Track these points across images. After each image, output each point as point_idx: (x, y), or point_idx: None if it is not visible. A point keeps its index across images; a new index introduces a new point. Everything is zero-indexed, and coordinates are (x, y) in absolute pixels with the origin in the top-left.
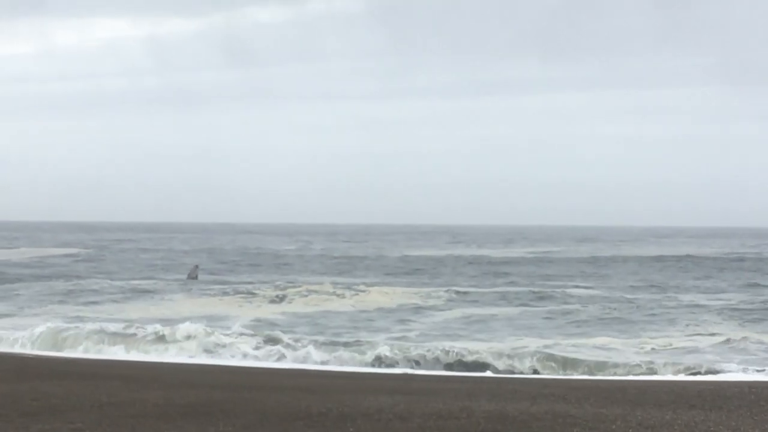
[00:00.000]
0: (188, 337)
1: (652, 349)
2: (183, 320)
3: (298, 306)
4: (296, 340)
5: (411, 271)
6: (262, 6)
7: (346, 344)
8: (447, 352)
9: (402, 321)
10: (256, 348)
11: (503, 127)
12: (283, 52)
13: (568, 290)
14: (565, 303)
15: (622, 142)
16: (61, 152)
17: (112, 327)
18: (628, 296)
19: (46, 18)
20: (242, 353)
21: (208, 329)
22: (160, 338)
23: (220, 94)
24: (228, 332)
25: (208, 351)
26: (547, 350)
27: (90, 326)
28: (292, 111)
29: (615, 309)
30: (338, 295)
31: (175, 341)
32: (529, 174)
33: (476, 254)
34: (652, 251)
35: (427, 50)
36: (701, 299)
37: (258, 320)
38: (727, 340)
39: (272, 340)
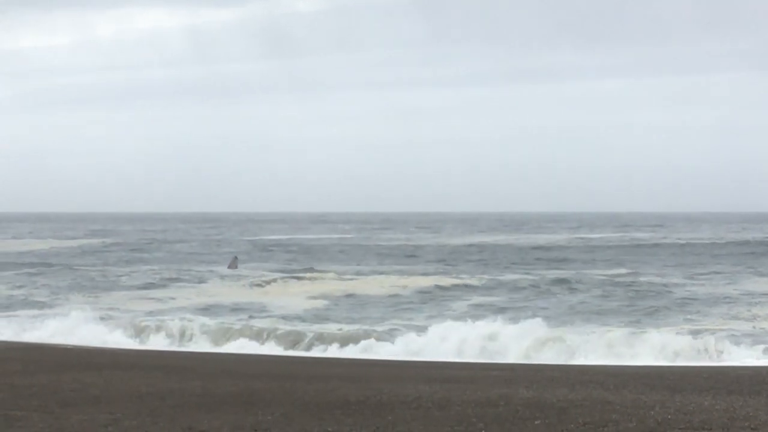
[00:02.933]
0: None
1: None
2: (224, 309)
3: (335, 294)
4: (329, 329)
5: (445, 258)
6: None
7: (377, 333)
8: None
9: (412, 309)
10: (295, 337)
11: (541, 115)
12: (322, 41)
13: (594, 276)
14: (582, 288)
15: (659, 129)
16: (99, 143)
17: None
18: (659, 281)
19: (83, 9)
20: (281, 343)
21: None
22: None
23: (259, 83)
24: (267, 322)
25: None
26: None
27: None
28: (330, 100)
29: (636, 296)
30: (369, 282)
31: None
32: (567, 161)
33: (513, 241)
34: (692, 237)
35: (465, 38)
36: (750, 284)
37: (299, 307)
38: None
39: (310, 329)
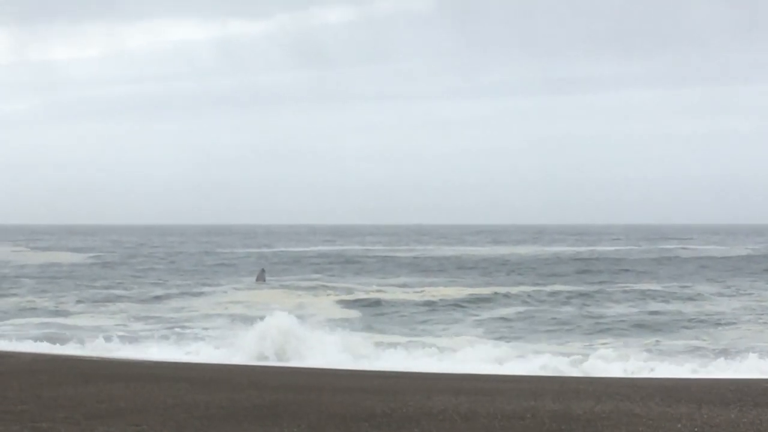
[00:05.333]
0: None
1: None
2: (254, 318)
3: (360, 305)
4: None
5: (474, 270)
6: (329, 6)
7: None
8: None
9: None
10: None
11: (575, 125)
12: (352, 52)
13: (622, 288)
14: (602, 304)
15: (695, 139)
16: (130, 155)
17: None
18: (685, 293)
19: (113, 21)
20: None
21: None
22: None
23: (290, 94)
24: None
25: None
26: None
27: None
28: (361, 111)
29: (645, 310)
30: (395, 294)
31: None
32: (602, 172)
33: (543, 252)
34: (733, 251)
35: (496, 48)
36: None
37: (330, 319)
38: None
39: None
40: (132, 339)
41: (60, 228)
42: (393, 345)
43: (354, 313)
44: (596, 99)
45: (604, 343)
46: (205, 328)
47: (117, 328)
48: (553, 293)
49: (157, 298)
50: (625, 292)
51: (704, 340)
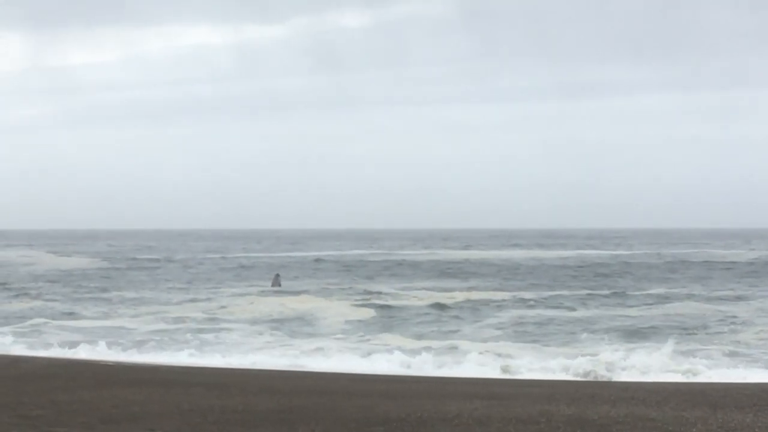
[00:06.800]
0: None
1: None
2: (272, 321)
3: (377, 307)
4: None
5: (488, 274)
6: (344, 11)
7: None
8: None
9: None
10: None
11: (587, 130)
12: (368, 57)
13: (635, 294)
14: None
15: (708, 144)
16: (145, 159)
17: None
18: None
19: (127, 26)
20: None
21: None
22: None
23: (304, 99)
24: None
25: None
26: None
27: None
28: (375, 115)
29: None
30: (408, 299)
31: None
32: (615, 176)
33: (556, 258)
34: (749, 255)
35: (511, 54)
36: None
37: (348, 322)
38: None
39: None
40: (146, 343)
41: (75, 232)
42: (412, 351)
43: (367, 317)
44: (608, 104)
45: (619, 347)
46: (219, 333)
47: (132, 333)
48: (568, 297)
49: (171, 302)
50: (641, 295)
51: (721, 343)
